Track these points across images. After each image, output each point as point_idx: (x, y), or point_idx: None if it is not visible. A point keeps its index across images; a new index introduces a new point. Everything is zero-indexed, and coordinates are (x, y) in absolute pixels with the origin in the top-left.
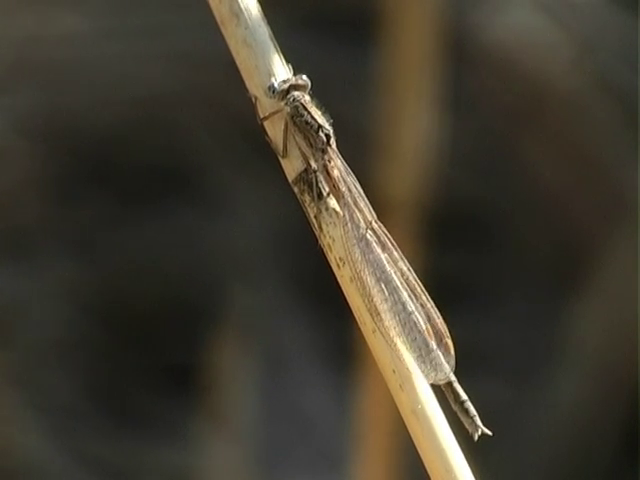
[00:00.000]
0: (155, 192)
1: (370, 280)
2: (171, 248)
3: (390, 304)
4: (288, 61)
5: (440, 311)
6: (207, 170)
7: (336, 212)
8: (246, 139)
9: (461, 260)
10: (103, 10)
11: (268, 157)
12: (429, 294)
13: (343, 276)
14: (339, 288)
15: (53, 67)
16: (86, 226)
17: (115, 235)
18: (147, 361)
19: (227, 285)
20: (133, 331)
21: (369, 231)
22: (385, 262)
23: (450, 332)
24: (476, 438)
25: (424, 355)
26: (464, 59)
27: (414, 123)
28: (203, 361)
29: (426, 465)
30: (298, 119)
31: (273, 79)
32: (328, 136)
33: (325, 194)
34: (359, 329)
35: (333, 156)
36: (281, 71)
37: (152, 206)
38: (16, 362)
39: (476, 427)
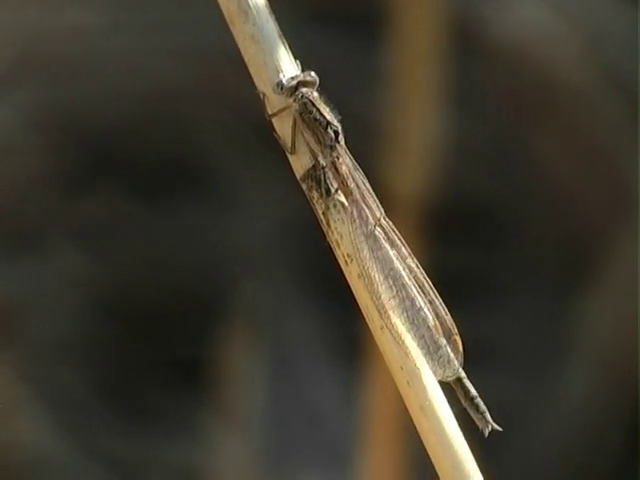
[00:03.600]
0: (164, 186)
1: (378, 277)
2: (180, 243)
3: (398, 301)
4: (296, 57)
5: (448, 306)
6: (216, 165)
7: (344, 208)
8: (255, 134)
9: (469, 255)
10: (112, 4)
11: (277, 152)
12: (437, 289)
13: (351, 272)
14: (347, 284)
15: (62, 61)
16: (95, 221)
17: (124, 230)
18: (156, 356)
19: (236, 280)
20: (142, 326)
21: (377, 228)
22: (394, 259)
23: (459, 328)
24: (486, 434)
25: (432, 352)
26: (472, 53)
27: (422, 118)
28: (212, 356)
29: (433, 461)
30: (306, 115)
31: (281, 75)
32: (337, 133)
33: (333, 191)
34: (367, 325)
35: (342, 152)
36: (289, 67)
37: (161, 200)
38: (25, 357)
39: (486, 423)
